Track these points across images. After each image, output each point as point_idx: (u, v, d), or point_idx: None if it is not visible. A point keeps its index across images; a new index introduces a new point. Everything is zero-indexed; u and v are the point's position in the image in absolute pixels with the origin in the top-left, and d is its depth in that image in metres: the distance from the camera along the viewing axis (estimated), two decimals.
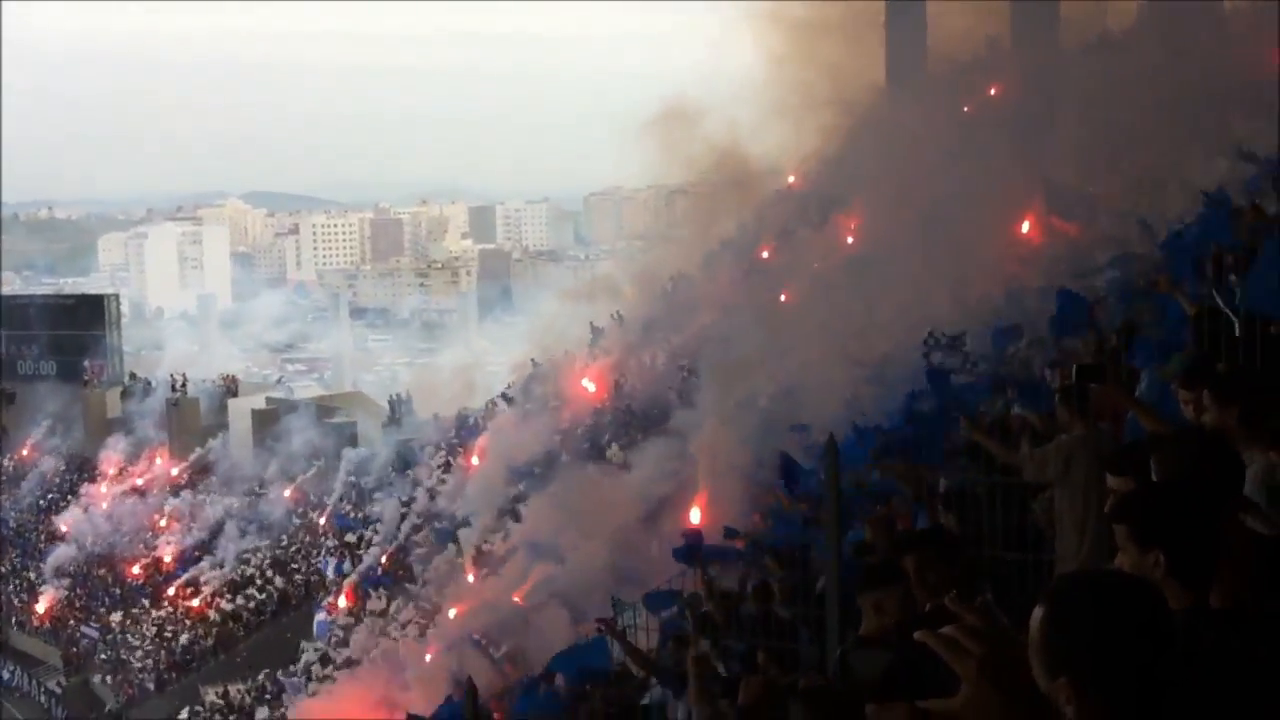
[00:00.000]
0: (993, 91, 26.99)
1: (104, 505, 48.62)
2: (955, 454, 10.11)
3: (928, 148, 24.20)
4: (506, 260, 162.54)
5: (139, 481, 50.03)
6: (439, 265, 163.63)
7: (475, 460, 36.29)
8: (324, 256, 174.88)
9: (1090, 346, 10.97)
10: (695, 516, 17.33)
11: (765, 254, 34.40)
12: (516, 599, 21.80)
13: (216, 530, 44.20)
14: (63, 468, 53.75)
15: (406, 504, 37.15)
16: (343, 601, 34.92)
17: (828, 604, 7.71)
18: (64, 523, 48.85)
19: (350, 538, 38.12)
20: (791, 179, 38.85)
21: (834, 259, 28.42)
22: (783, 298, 28.63)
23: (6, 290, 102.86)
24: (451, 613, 25.00)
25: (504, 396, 41.07)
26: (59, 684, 40.59)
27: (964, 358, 14.55)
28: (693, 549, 12.54)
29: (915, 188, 23.20)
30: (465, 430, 40.43)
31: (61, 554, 46.26)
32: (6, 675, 42.93)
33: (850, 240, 28.76)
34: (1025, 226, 18.15)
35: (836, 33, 37.85)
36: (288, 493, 44.37)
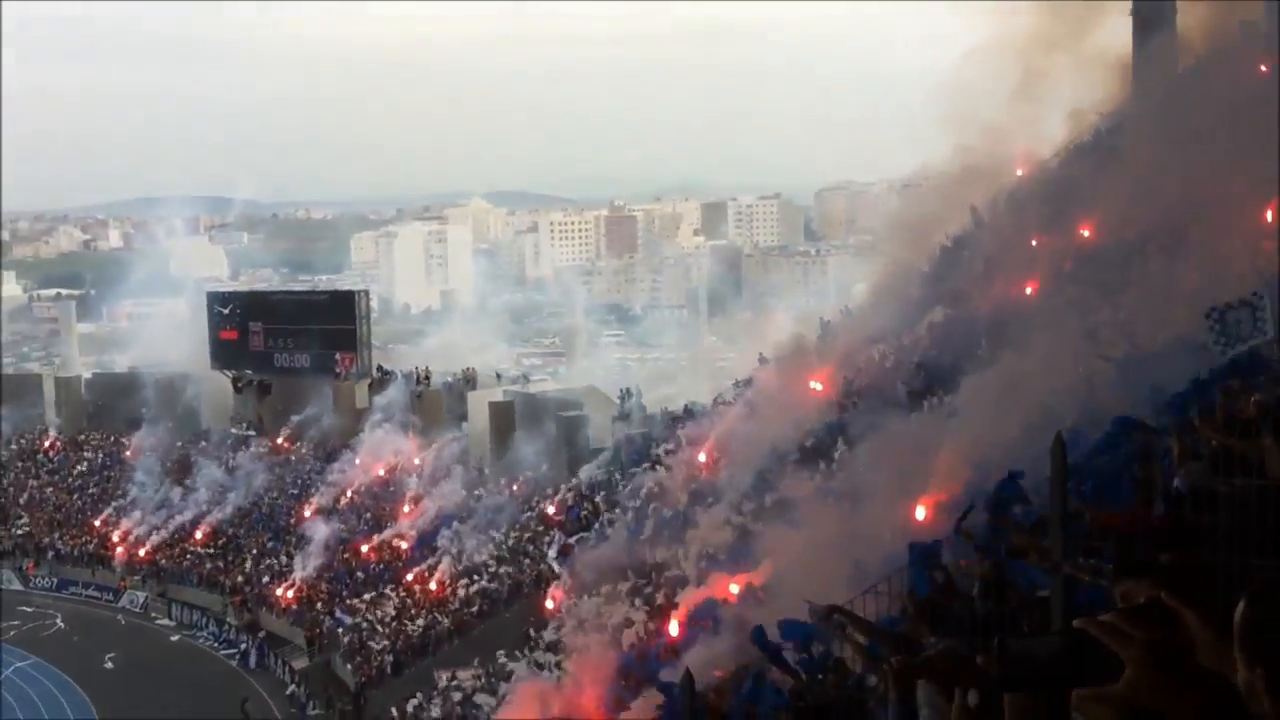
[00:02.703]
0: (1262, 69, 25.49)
1: (351, 493, 50.83)
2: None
3: (1171, 139, 23.21)
4: (738, 256, 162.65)
5: (383, 471, 52.11)
6: (672, 262, 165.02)
7: (702, 457, 36.45)
8: (561, 253, 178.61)
9: None
10: (920, 514, 16.93)
11: (1005, 248, 33.51)
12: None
13: (453, 518, 45.63)
14: (314, 455, 56.42)
15: (636, 495, 37.49)
16: (559, 591, 35.59)
17: (1053, 600, 7.50)
18: (314, 509, 51.29)
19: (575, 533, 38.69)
20: (1020, 171, 37.84)
21: (1074, 253, 27.57)
22: (1028, 290, 27.92)
23: (265, 286, 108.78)
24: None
25: (734, 389, 41.22)
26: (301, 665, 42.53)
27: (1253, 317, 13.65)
28: (931, 551, 12.44)
29: (1157, 181, 22.28)
30: (694, 424, 40.61)
31: (315, 539, 48.45)
32: (255, 654, 45.21)
33: (1089, 234, 27.83)
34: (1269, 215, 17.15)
35: (1077, 23, 36.66)
36: (520, 483, 45.49)
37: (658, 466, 37.99)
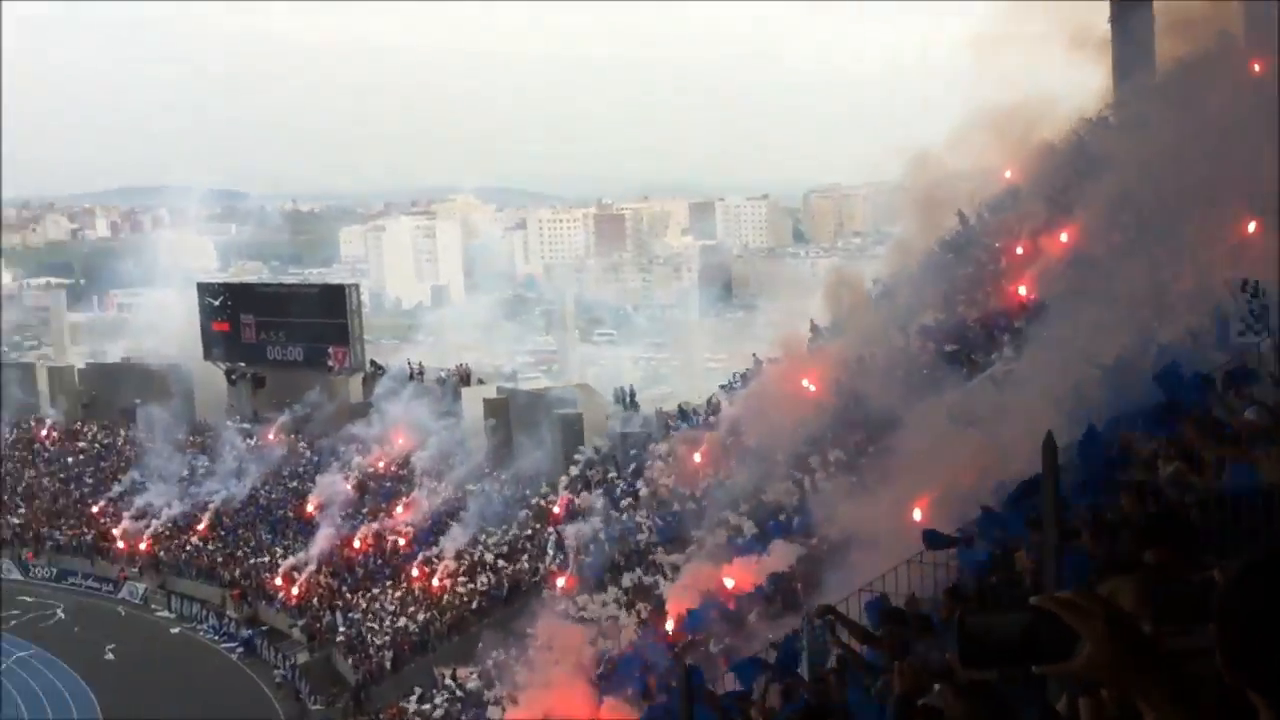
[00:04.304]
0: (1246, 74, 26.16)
1: (346, 487, 51.39)
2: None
3: (1155, 146, 23.97)
4: (727, 257, 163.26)
5: (380, 465, 52.69)
6: (660, 261, 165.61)
7: (698, 456, 37.18)
8: (550, 251, 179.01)
9: None
10: (917, 514, 17.70)
11: (988, 252, 34.36)
12: None
13: (450, 514, 46.27)
14: (308, 449, 56.96)
15: (631, 494, 38.25)
16: (561, 583, 36.29)
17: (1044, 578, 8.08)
18: (310, 503, 51.85)
19: (572, 528, 39.31)
20: (1009, 173, 38.51)
21: (1062, 256, 28.34)
22: (1022, 290, 28.67)
23: (255, 278, 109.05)
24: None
25: (724, 390, 41.95)
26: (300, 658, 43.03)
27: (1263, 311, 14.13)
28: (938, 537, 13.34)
29: (1140, 187, 23.04)
30: (687, 423, 41.38)
31: (312, 533, 49.01)
32: (253, 647, 45.75)
33: (1072, 239, 28.60)
34: (1251, 227, 17.92)
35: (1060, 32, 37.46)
36: (515, 479, 46.16)
37: (656, 464, 38.72)
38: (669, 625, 27.30)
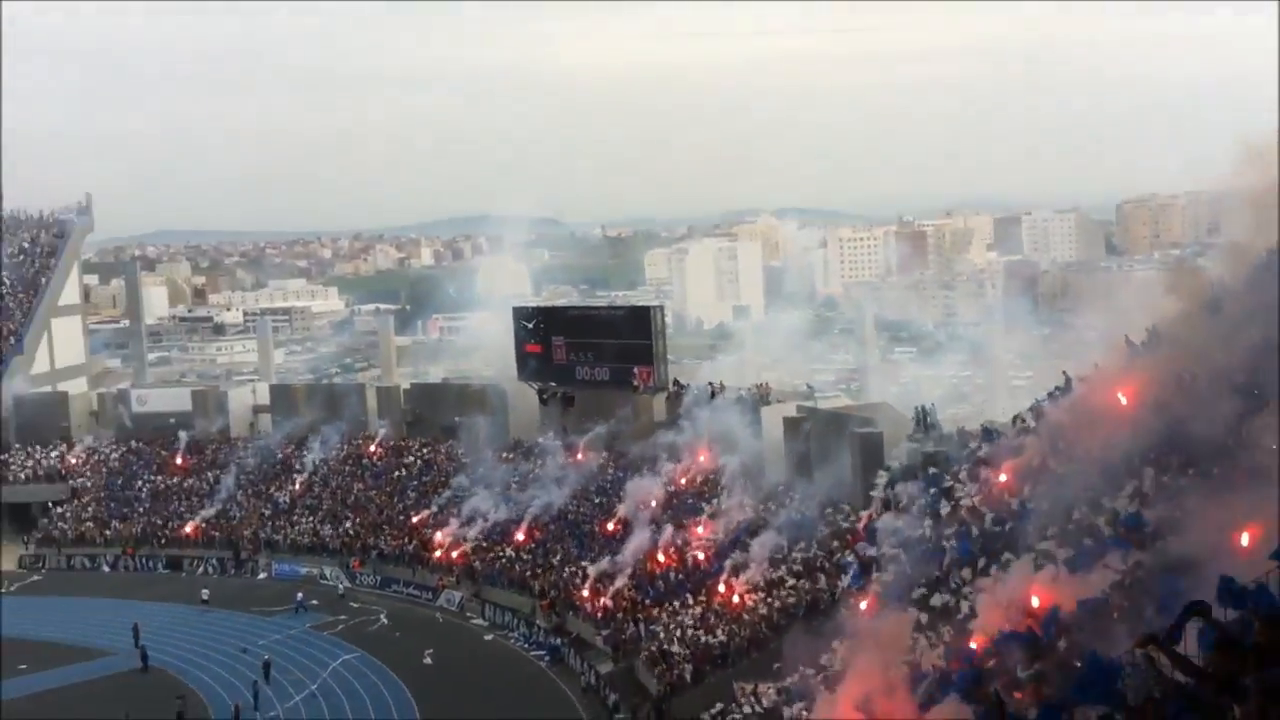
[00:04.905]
0: None
1: (651, 503, 52.44)
2: None
3: None
4: (1033, 272, 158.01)
5: (682, 482, 53.58)
6: (964, 277, 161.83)
7: (1003, 477, 36.00)
8: (850, 269, 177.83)
9: None
10: (1245, 540, 16.65)
11: None
12: None
13: (750, 531, 46.50)
14: (615, 466, 58.51)
15: (934, 513, 37.37)
16: (863, 605, 35.75)
17: None
18: (615, 518, 53.21)
19: (872, 550, 38.74)
20: None
21: None
22: None
23: (565, 302, 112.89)
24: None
25: (1032, 409, 40.43)
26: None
27: None
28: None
29: None
30: (992, 443, 40.10)
31: (617, 548, 50.22)
32: (560, 656, 47.14)
33: None
34: None
35: None
36: (814, 497, 45.99)
37: (960, 484, 37.77)
38: (974, 647, 26.54)
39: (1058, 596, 24.20)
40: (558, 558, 53.23)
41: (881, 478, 43.13)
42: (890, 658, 27.74)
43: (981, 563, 32.04)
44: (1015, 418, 41.37)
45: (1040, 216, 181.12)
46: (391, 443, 68.45)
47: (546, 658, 47.38)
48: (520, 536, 55.86)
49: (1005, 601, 25.97)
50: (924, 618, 31.28)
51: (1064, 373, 39.78)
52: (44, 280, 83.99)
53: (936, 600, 32.04)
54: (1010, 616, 25.11)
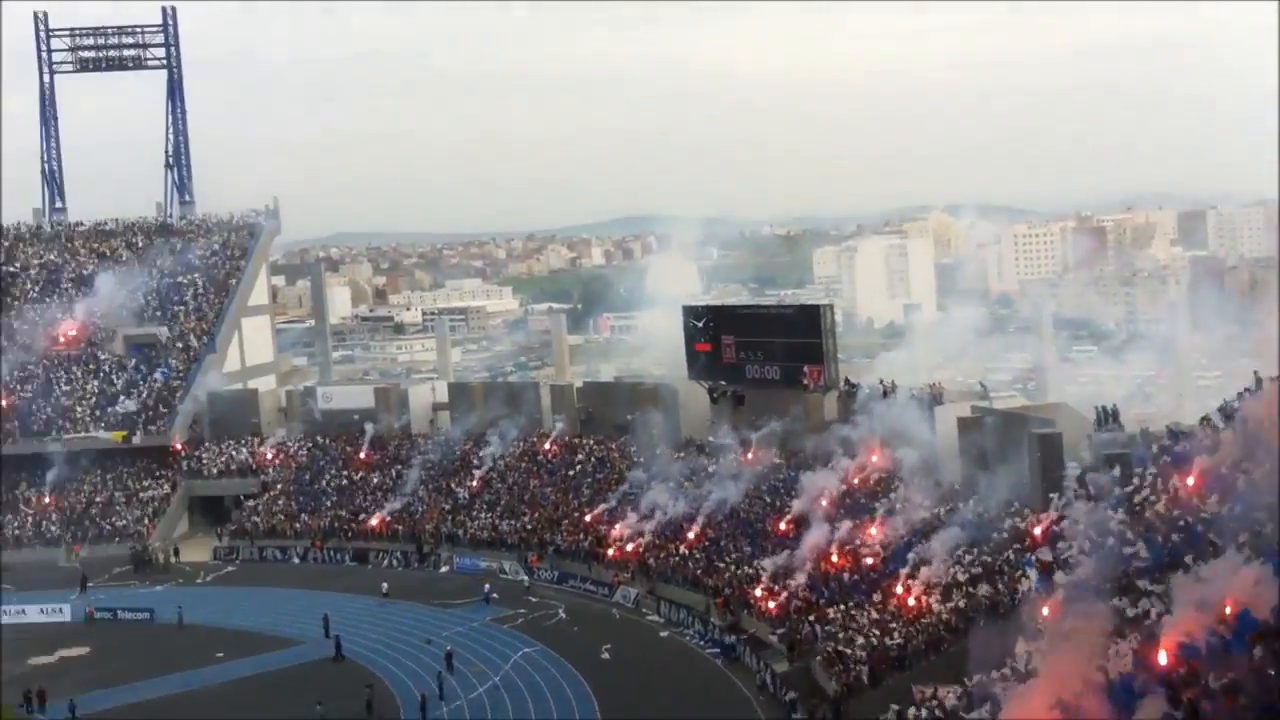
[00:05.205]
0: None
1: (824, 502, 52.38)
2: None
3: None
4: (1220, 267, 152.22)
5: (855, 482, 53.39)
6: (1146, 274, 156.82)
7: (1191, 480, 35.00)
8: (1025, 266, 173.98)
9: None
10: None
11: None
12: None
13: (925, 532, 46.08)
14: (786, 465, 58.59)
15: (1118, 517, 36.54)
16: (1045, 611, 35.12)
17: None
18: (788, 518, 53.26)
19: (1054, 552, 38.02)
20: None
21: None
22: None
23: (735, 300, 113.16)
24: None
25: (1221, 410, 39.22)
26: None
27: None
28: None
29: None
30: (1179, 445, 39.02)
31: (791, 547, 50.27)
32: (735, 654, 47.37)
33: None
34: None
35: None
36: (991, 499, 45.35)
37: (1145, 487, 36.88)
38: (1162, 657, 25.95)
39: (1251, 602, 23.57)
40: (731, 556, 53.50)
41: (1073, 469, 42.28)
42: (1086, 661, 27.31)
43: (1170, 567, 31.27)
44: (1203, 419, 40.19)
45: (1227, 210, 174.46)
46: (566, 439, 69.71)
47: (721, 656, 47.71)
48: (692, 535, 56.34)
49: (1197, 608, 25.37)
50: (1112, 623, 30.69)
51: (1254, 373, 38.51)
52: (234, 281, 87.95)
53: (1124, 604, 31.37)
54: (1201, 623, 24.55)
